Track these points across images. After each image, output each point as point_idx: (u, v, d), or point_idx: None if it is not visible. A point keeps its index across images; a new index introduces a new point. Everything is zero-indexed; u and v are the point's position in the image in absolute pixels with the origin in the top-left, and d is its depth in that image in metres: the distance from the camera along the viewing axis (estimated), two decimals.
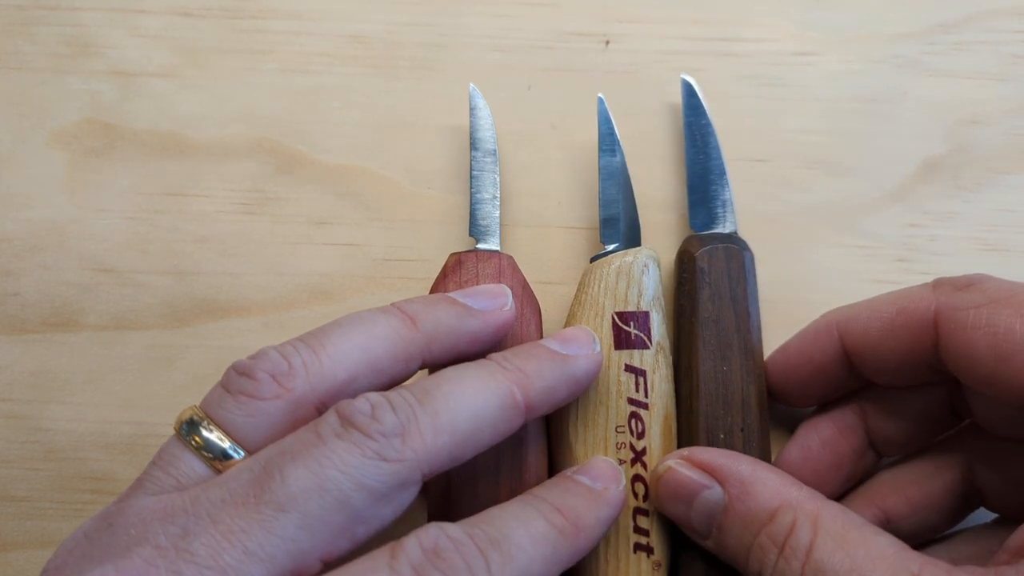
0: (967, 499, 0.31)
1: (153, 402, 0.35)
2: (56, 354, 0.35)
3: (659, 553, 0.30)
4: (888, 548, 0.25)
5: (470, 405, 0.25)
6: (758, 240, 0.36)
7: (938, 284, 0.29)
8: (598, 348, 0.29)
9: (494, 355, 0.27)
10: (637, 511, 0.30)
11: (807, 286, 0.36)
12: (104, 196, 0.36)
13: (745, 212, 0.36)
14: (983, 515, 0.31)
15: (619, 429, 0.30)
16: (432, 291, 0.32)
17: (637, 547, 0.30)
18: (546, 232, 0.36)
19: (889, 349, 0.29)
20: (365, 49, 0.37)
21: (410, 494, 0.24)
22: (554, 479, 0.28)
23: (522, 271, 0.34)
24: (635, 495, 0.30)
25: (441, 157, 0.37)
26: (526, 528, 0.24)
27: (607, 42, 0.38)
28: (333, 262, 0.36)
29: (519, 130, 0.37)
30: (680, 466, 0.29)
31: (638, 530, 0.30)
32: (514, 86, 0.37)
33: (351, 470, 0.23)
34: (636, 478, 0.30)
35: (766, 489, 0.27)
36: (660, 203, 0.36)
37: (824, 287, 0.36)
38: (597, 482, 0.27)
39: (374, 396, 0.24)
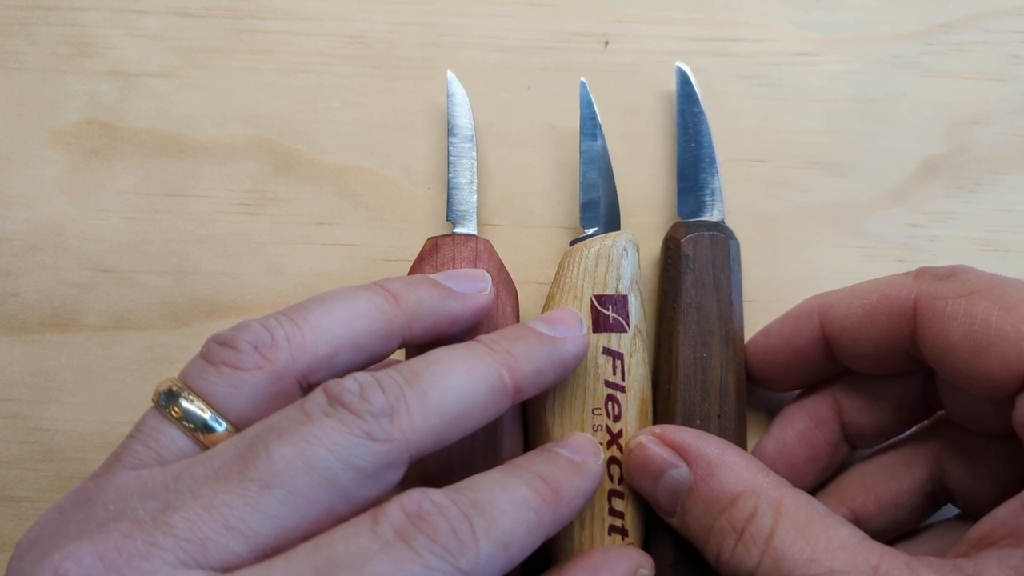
0: (935, 496, 0.31)
1: None
2: (56, 354, 0.35)
3: (634, 535, 0.30)
4: (849, 538, 0.25)
5: (459, 387, 0.25)
6: (758, 240, 0.36)
7: (920, 273, 0.29)
8: (585, 330, 0.29)
9: (482, 337, 0.27)
10: (612, 493, 0.30)
11: (807, 286, 0.36)
12: (104, 196, 0.36)
13: (745, 212, 0.36)
14: (949, 513, 0.32)
15: (596, 411, 0.30)
16: (409, 274, 0.32)
17: (612, 529, 0.30)
18: (546, 232, 0.36)
19: (868, 335, 0.29)
20: (365, 49, 0.37)
21: (396, 475, 0.24)
22: (535, 451, 0.28)
23: (522, 268, 0.34)
24: (611, 478, 0.30)
25: (440, 157, 0.37)
26: (509, 494, 0.24)
27: (606, 42, 0.38)
28: (332, 262, 0.36)
29: (519, 130, 0.37)
30: (651, 442, 0.29)
31: (613, 512, 0.30)
32: (514, 86, 0.37)
33: (338, 448, 0.22)
34: (612, 461, 0.30)
35: (731, 473, 0.27)
36: (658, 200, 0.36)
37: (824, 287, 0.36)
38: (577, 455, 0.27)
39: (362, 376, 0.24)
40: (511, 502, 0.24)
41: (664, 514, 0.29)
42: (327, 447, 0.22)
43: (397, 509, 0.22)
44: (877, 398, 0.31)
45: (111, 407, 0.35)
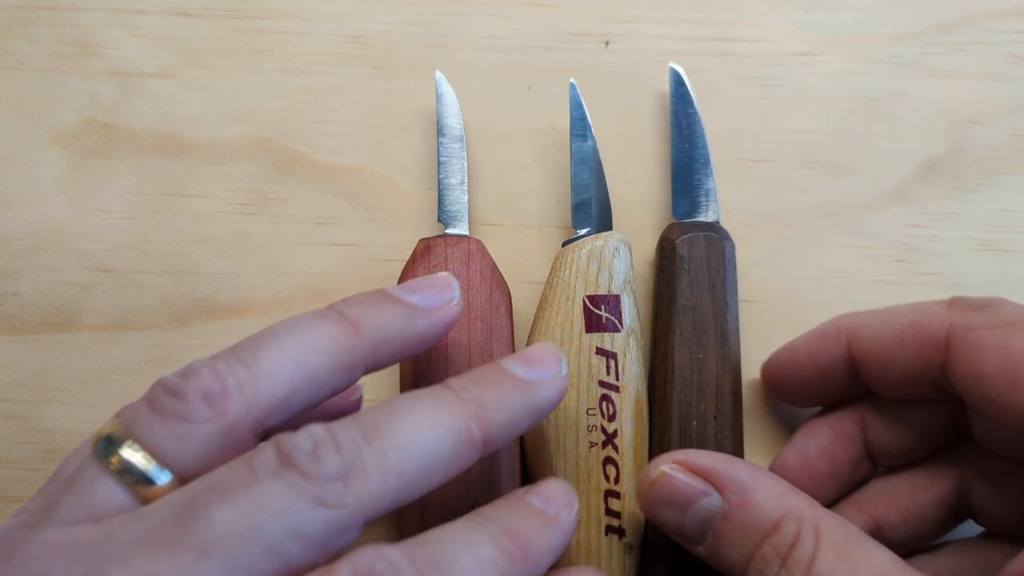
0: (958, 512, 0.30)
1: None
2: (56, 354, 0.35)
3: (631, 535, 0.30)
4: (889, 564, 0.24)
5: (422, 444, 0.23)
6: (758, 240, 0.36)
7: (954, 302, 0.28)
8: (564, 371, 0.26)
9: (451, 382, 0.25)
10: (608, 493, 0.30)
11: (807, 286, 0.36)
12: (104, 196, 0.36)
13: (745, 212, 0.36)
14: (969, 529, 0.31)
15: (590, 412, 0.30)
16: (401, 277, 0.32)
17: (609, 529, 0.30)
18: (546, 232, 0.36)
19: (896, 362, 0.29)
20: (365, 49, 0.37)
21: (349, 539, 0.22)
22: (505, 499, 0.26)
23: (521, 268, 0.34)
24: (607, 478, 0.30)
25: None
26: (473, 552, 0.22)
27: (607, 42, 0.38)
28: (333, 262, 0.36)
29: (519, 130, 0.37)
30: (675, 471, 0.27)
31: (609, 512, 0.30)
32: (514, 86, 0.37)
33: (285, 515, 0.21)
34: (607, 460, 0.30)
35: (768, 497, 0.26)
36: (655, 201, 0.36)
37: (824, 287, 0.36)
38: (549, 505, 0.25)
39: (317, 430, 0.22)
40: (474, 562, 0.22)
41: (689, 543, 0.28)
42: (273, 513, 0.21)
43: (348, 571, 0.21)
44: (904, 420, 0.31)
45: (111, 407, 0.35)
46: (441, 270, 0.31)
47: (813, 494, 0.27)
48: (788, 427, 0.35)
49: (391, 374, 0.35)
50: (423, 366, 0.31)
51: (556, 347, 0.27)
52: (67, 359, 0.35)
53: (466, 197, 0.34)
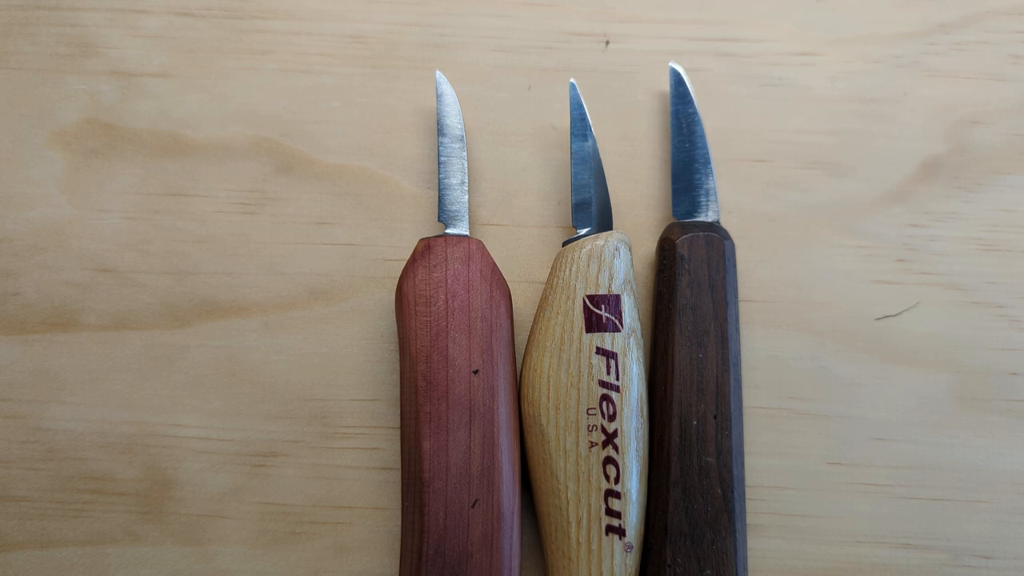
0: None
1: (153, 402, 0.35)
2: (56, 354, 0.35)
3: (631, 535, 0.30)
4: None
5: None
6: (758, 240, 0.36)
7: None
8: None
9: None
10: (609, 493, 0.30)
11: (807, 286, 0.36)
12: (104, 196, 0.36)
13: (745, 212, 0.36)
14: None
15: (590, 411, 0.30)
16: (402, 277, 0.32)
17: (609, 529, 0.30)
18: (546, 232, 0.36)
19: None
20: (365, 49, 0.37)
21: None
22: None
23: (522, 268, 0.34)
24: (607, 477, 0.30)
25: None
26: None
27: (607, 42, 0.38)
28: (333, 262, 0.36)
29: (519, 130, 0.37)
30: None
31: (610, 512, 0.30)
32: (514, 86, 0.37)
33: None
34: (607, 460, 0.30)
35: None
36: (656, 200, 0.36)
37: (824, 287, 0.36)
38: None
39: None
40: None
41: None
42: None
43: None
44: None
45: (111, 407, 0.35)
46: (441, 270, 0.31)
47: None
48: (788, 427, 0.35)
49: (392, 374, 0.35)
50: (423, 366, 0.31)
51: None
52: (67, 359, 0.35)
53: (466, 197, 0.34)
